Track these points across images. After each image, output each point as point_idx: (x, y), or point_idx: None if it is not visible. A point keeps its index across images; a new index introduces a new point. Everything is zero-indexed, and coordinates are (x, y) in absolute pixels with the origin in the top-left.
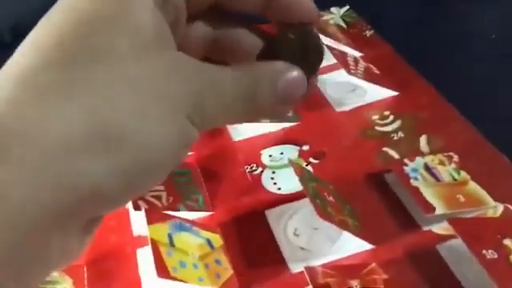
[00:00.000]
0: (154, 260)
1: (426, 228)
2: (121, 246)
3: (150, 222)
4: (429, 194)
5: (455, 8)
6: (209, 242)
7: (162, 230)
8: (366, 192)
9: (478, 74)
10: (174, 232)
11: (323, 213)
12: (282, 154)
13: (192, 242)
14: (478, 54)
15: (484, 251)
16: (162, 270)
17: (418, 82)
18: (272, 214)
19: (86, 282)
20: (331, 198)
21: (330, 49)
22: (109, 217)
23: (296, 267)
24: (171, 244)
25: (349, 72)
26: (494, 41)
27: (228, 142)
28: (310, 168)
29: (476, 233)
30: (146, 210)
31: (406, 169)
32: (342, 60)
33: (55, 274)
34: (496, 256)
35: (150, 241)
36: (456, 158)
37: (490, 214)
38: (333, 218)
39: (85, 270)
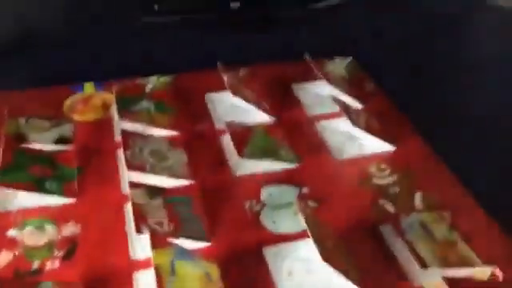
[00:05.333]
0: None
1: (416, 284)
2: (118, 268)
3: (154, 246)
4: (422, 250)
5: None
6: (208, 274)
7: (165, 256)
8: (361, 242)
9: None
10: (176, 259)
11: (325, 257)
12: (281, 193)
13: (192, 273)
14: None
15: None
16: None
17: (413, 138)
18: (269, 252)
19: None
20: (329, 243)
21: (333, 98)
22: (107, 239)
23: None
24: (172, 271)
25: (351, 122)
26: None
27: (230, 176)
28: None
29: None
30: (150, 235)
31: (402, 223)
32: (345, 110)
33: None
34: None
35: (153, 265)
36: (448, 217)
37: (479, 275)
38: (334, 262)
39: None
